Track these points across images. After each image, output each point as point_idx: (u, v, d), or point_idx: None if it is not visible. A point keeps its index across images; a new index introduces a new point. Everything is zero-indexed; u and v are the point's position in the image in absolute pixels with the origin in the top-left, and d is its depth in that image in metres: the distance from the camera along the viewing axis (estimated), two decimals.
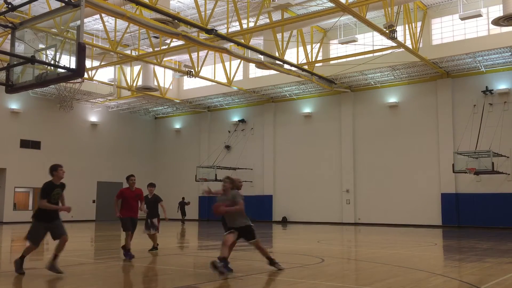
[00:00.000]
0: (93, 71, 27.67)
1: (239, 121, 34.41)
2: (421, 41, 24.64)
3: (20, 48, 9.02)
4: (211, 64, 30.73)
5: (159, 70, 31.33)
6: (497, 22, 19.85)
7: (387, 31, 19.77)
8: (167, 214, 12.99)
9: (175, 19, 18.95)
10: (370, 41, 25.62)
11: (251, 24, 22.07)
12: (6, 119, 30.53)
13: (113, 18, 22.76)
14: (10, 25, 9.05)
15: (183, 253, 13.21)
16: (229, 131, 34.80)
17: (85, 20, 23.51)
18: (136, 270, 9.35)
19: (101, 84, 30.15)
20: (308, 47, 25.62)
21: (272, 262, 9.06)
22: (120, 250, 11.55)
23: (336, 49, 28.19)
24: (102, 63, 26.50)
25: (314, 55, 25.91)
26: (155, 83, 30.63)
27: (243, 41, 21.52)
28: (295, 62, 25.42)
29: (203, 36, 21.41)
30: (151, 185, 12.69)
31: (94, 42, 26.13)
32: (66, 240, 8.61)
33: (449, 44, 24.68)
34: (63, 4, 8.28)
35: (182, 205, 31.08)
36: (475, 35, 24.22)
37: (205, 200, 34.89)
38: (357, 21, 24.33)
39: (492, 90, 25.12)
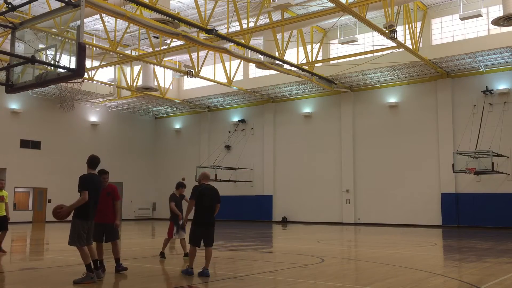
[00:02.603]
0: (93, 71, 27.67)
1: (239, 121, 34.41)
2: (421, 41, 24.64)
3: (20, 48, 9.02)
4: (211, 64, 30.72)
5: (159, 70, 31.33)
6: (497, 22, 19.85)
7: (387, 31, 19.77)
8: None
9: (175, 19, 18.95)
10: (370, 41, 25.62)
11: (251, 24, 22.06)
12: (6, 119, 30.53)
13: (113, 18, 22.77)
14: (10, 25, 9.05)
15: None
16: (229, 131, 34.79)
17: (85, 20, 23.52)
18: (136, 270, 9.35)
19: (101, 84, 30.16)
20: (308, 47, 25.62)
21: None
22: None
23: (336, 49, 28.18)
24: (102, 63, 26.51)
25: (314, 55, 25.90)
26: (155, 83, 30.62)
27: (243, 41, 21.52)
28: (295, 62, 25.41)
29: (203, 36, 21.41)
30: (181, 185, 11.31)
31: (94, 42, 26.13)
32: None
33: (449, 44, 24.67)
34: (63, 4, 8.27)
35: None
36: (475, 35, 24.21)
37: None
38: (357, 21, 24.33)
39: (492, 90, 25.11)
